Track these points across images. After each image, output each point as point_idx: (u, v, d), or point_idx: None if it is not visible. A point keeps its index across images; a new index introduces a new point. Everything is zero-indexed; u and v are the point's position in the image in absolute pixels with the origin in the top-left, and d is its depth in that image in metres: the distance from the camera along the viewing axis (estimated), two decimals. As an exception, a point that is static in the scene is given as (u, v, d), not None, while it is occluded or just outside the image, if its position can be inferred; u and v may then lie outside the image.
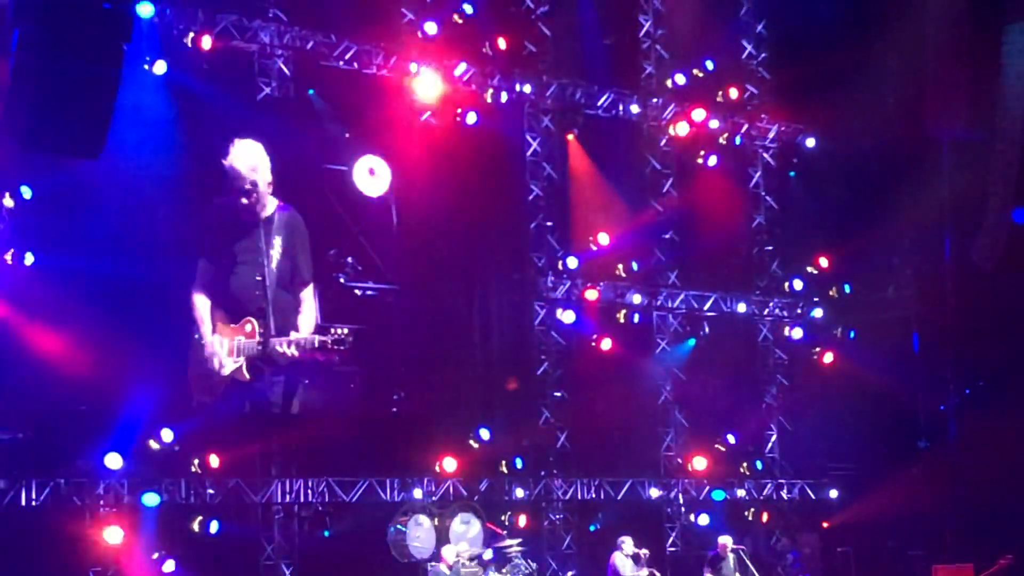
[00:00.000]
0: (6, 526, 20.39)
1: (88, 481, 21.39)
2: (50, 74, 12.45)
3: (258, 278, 22.57)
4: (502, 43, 26.35)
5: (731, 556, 23.23)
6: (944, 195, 28.08)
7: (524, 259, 26.61)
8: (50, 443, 20.96)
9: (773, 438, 29.00)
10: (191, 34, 22.50)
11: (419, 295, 25.15)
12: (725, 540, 23.44)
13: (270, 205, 23.00)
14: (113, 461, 21.11)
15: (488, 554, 22.78)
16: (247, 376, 22.49)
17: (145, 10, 21.31)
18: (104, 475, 21.34)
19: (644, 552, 22.63)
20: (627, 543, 22.48)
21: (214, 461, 22.57)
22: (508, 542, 23.41)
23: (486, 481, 25.32)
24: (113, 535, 21.15)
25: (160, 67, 22.01)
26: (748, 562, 23.36)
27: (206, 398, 22.36)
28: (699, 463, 27.73)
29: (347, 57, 24.30)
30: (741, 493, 28.29)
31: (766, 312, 29.27)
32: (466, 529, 24.43)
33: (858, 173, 28.16)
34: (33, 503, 20.87)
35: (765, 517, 28.46)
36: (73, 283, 20.84)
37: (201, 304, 22.53)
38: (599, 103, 27.43)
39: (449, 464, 24.81)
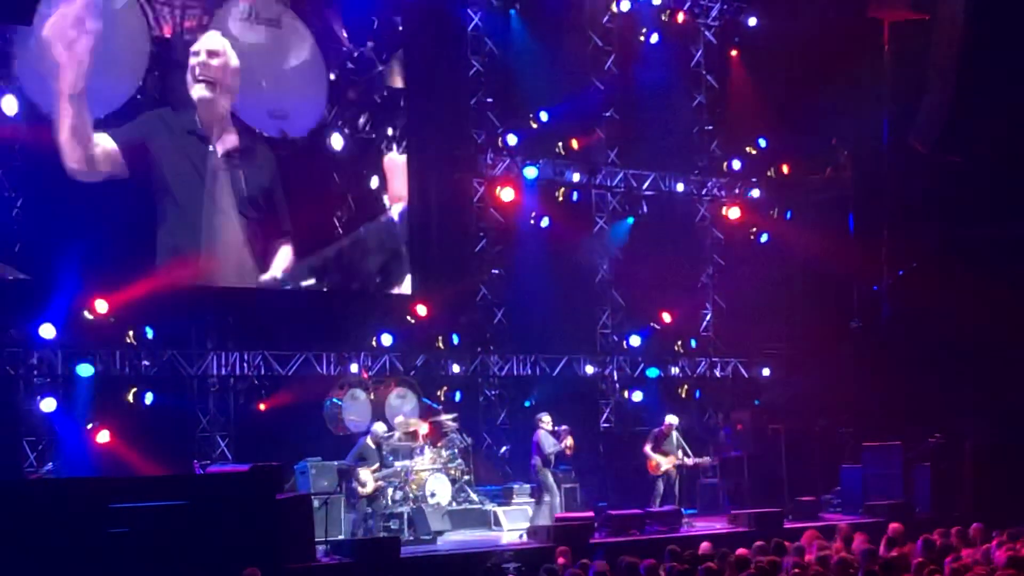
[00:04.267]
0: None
1: (22, 351, 21.33)
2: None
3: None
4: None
5: (675, 434, 23.52)
6: (884, 77, 28.06)
7: (464, 135, 26.47)
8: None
9: (708, 317, 29.22)
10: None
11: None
12: (672, 419, 23.69)
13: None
14: (47, 331, 21.02)
15: (423, 428, 22.90)
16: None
17: None
18: (38, 345, 21.26)
19: (564, 427, 22.80)
20: (545, 419, 22.64)
21: (149, 332, 22.54)
22: (443, 417, 23.55)
23: (423, 356, 25.43)
24: (47, 405, 21.13)
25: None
26: (681, 438, 23.65)
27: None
28: (634, 340, 27.93)
29: (282, -69, 23.93)
30: (675, 371, 28.58)
31: (704, 192, 29.31)
32: (401, 403, 24.57)
33: (799, 53, 28.06)
34: (-35, 372, 20.83)
35: (698, 394, 28.79)
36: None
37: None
38: (541, -22, 27.21)
39: (386, 339, 24.87)
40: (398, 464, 21.81)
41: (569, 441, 22.57)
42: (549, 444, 22.41)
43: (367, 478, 20.91)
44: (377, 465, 21.21)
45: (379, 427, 21.86)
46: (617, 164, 28.17)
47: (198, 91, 23.26)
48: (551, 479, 22.44)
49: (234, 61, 23.60)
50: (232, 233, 23.68)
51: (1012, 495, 21.78)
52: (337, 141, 24.91)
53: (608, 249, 28.07)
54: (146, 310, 22.28)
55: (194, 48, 23.26)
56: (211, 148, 23.41)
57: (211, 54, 23.35)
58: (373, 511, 21.01)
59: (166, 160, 22.92)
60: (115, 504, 15.94)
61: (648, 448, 23.34)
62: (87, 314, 21.70)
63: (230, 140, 23.60)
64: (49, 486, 19.02)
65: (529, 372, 26.69)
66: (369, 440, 21.41)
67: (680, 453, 23.43)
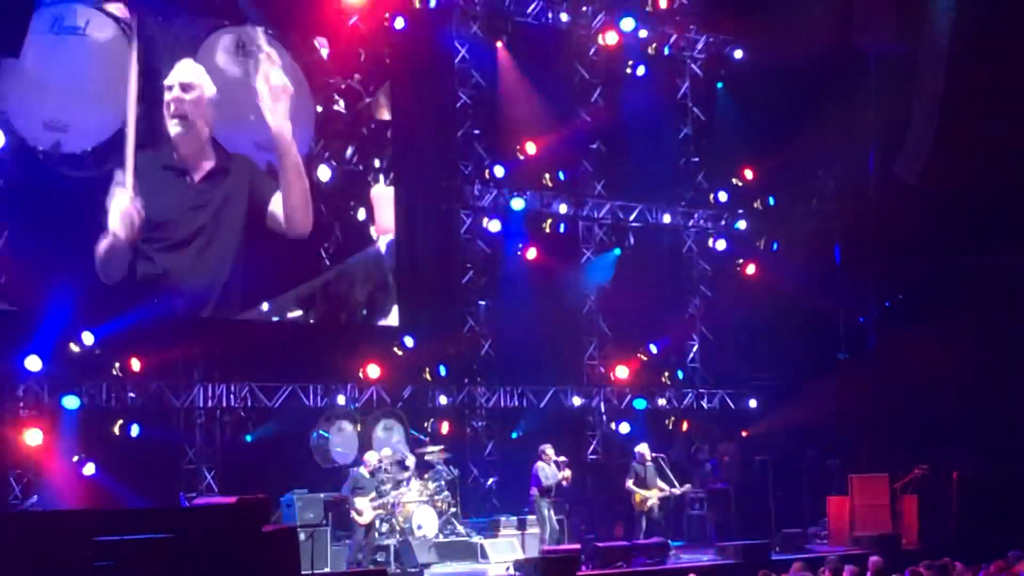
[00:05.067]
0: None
1: (8, 383, 21.25)
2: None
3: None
4: (431, -52, 26.13)
5: (650, 464, 23.46)
6: (870, 109, 28.18)
7: (450, 167, 26.51)
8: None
9: (695, 348, 29.21)
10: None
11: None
12: (642, 448, 23.65)
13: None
14: (33, 363, 20.95)
15: (410, 460, 22.85)
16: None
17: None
18: (24, 377, 21.19)
19: (563, 459, 22.82)
20: (549, 451, 22.66)
21: (135, 365, 22.49)
22: (430, 448, 23.51)
23: (410, 388, 25.39)
24: (33, 437, 21.03)
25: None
26: (667, 470, 23.60)
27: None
28: (621, 372, 27.91)
29: (273, -42, 24.00)
30: (662, 402, 28.54)
31: (691, 223, 29.35)
32: (388, 435, 24.53)
33: (785, 85, 28.14)
34: (-49, 404, 20.76)
35: (685, 426, 28.76)
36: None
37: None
38: (528, 11, 27.24)
39: (373, 371, 24.84)
40: (392, 493, 21.78)
41: (567, 473, 22.58)
42: (547, 475, 22.40)
43: (364, 507, 20.87)
44: (374, 494, 21.18)
45: (371, 456, 21.82)
46: (604, 196, 28.23)
47: (173, 127, 23.20)
48: (546, 511, 22.42)
49: (209, 91, 23.51)
50: (216, 262, 23.64)
51: (999, 527, 21.76)
52: (324, 173, 24.93)
53: (595, 281, 28.06)
54: (132, 342, 22.24)
55: (167, 82, 23.12)
56: (188, 179, 23.39)
57: (184, 87, 23.24)
58: (368, 542, 20.98)
59: (146, 196, 22.85)
60: (101, 537, 15.85)
61: (631, 483, 23.26)
62: (73, 346, 21.65)
63: (207, 166, 23.60)
64: (34, 519, 18.90)
65: (516, 404, 26.66)
66: (363, 470, 21.38)
67: (659, 485, 23.33)
